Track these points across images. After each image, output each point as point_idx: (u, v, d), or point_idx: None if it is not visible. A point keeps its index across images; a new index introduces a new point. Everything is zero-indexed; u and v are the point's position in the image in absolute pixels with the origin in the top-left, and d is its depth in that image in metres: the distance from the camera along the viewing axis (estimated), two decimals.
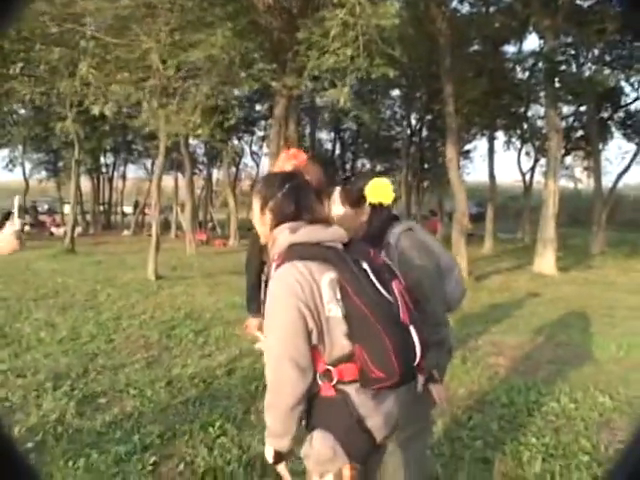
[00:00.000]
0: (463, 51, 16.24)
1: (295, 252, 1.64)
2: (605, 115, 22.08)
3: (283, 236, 1.70)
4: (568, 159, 27.44)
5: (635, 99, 20.81)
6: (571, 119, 23.66)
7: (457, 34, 12.83)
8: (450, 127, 10.93)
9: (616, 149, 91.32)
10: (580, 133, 24.34)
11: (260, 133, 25.50)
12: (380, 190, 2.33)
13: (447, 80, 10.99)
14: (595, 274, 12.51)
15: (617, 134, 22.92)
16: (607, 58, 16.28)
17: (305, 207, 1.75)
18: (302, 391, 1.59)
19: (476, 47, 18.64)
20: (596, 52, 15.70)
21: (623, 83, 18.67)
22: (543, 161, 25.66)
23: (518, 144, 25.59)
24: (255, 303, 3.42)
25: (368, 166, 30.73)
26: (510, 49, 20.99)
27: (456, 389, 4.46)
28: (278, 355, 1.60)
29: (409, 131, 25.70)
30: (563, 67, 12.38)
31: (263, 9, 6.95)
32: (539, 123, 24.63)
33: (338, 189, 2.35)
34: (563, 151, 25.89)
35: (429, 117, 25.50)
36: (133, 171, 45.56)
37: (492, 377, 4.82)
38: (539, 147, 25.20)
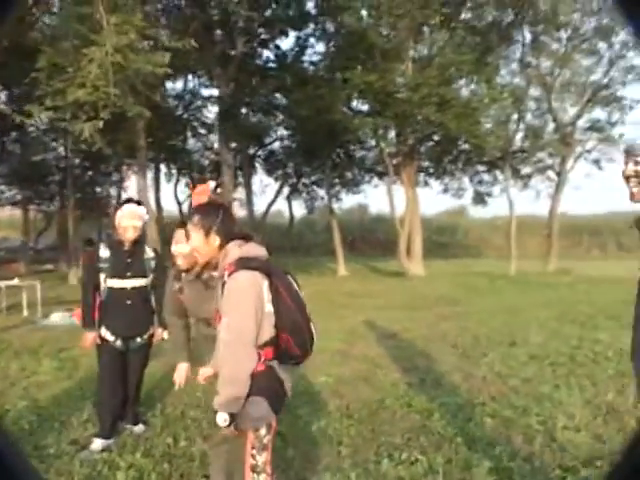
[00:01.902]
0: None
1: (243, 263, 2.24)
2: (251, 152, 25.22)
3: (234, 251, 2.30)
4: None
5: (275, 139, 24.49)
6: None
7: None
8: (140, 159, 11.40)
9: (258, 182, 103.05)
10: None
11: None
12: None
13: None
14: None
15: (260, 169, 26.34)
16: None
17: (237, 227, 2.37)
18: (254, 364, 2.21)
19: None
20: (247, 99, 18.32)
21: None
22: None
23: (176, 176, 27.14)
24: (91, 320, 3.73)
25: (7, 194, 27.87)
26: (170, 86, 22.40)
27: None
28: (241, 337, 2.17)
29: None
30: (234, 111, 14.16)
31: None
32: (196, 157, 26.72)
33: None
34: (215, 183, 28.69)
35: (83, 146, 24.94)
36: None
37: None
38: (198, 179, 27.29)
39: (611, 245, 31.52)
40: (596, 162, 17.79)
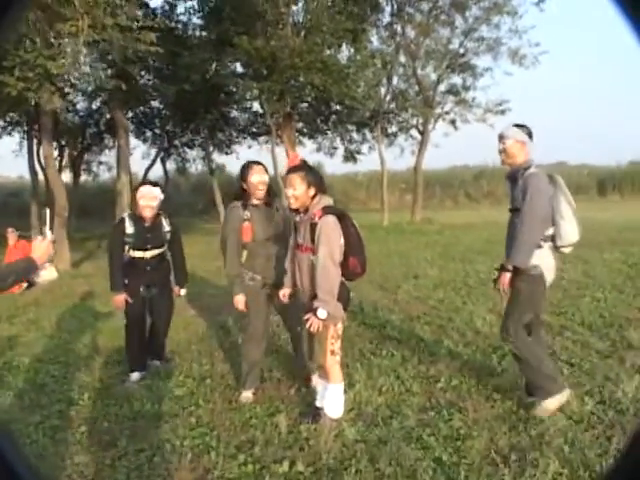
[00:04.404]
0: None
1: (327, 210, 3.29)
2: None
3: (322, 201, 3.32)
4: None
5: (149, 99, 23.91)
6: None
7: None
8: (45, 126, 11.16)
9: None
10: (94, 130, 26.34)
11: None
12: None
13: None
14: None
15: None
16: None
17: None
18: (339, 279, 3.28)
19: None
20: None
21: None
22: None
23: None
24: (121, 282, 4.39)
25: None
26: None
27: None
28: (333, 261, 3.23)
29: None
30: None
31: None
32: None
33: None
34: (80, 147, 27.56)
35: None
36: None
37: None
38: (67, 143, 26.01)
39: (461, 196, 35.33)
40: (452, 122, 20.18)
